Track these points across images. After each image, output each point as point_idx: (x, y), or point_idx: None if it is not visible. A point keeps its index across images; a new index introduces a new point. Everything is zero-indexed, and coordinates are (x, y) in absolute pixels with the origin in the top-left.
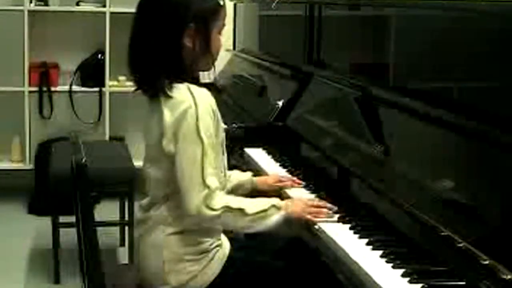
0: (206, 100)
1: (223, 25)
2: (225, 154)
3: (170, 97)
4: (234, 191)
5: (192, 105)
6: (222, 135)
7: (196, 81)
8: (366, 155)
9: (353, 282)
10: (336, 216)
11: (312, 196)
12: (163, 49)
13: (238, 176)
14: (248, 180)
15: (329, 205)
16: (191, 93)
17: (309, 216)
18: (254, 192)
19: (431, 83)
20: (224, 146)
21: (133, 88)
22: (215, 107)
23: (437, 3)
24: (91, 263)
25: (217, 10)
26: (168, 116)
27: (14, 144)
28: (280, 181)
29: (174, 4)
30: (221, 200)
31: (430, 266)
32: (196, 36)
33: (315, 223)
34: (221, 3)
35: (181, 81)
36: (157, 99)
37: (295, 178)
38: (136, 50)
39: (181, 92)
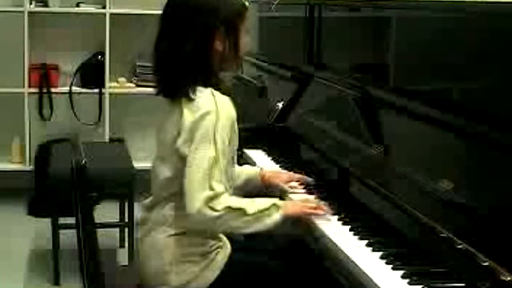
0: (227, 108)
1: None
2: (235, 166)
3: (193, 99)
4: (245, 186)
5: (213, 110)
6: (235, 147)
7: (219, 83)
8: (366, 156)
9: (353, 283)
10: (336, 217)
11: (312, 197)
12: (194, 54)
13: (247, 171)
14: (256, 173)
15: (326, 207)
16: (214, 99)
17: (308, 210)
18: (263, 188)
19: (431, 84)
20: (236, 158)
21: (133, 90)
22: (235, 116)
23: (437, 4)
24: (91, 264)
25: (243, 12)
26: (188, 116)
27: (14, 145)
28: (284, 180)
29: (203, 9)
30: (223, 201)
31: (430, 267)
32: (226, 39)
33: (311, 216)
34: (246, 4)
35: (206, 84)
36: (178, 100)
37: (299, 177)
38: (163, 56)
39: (205, 96)
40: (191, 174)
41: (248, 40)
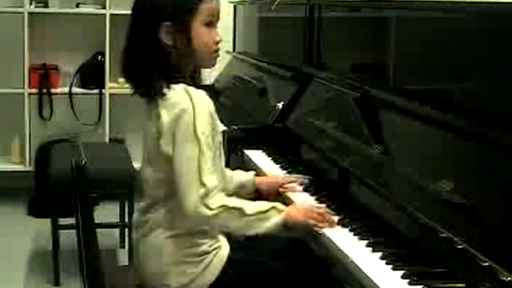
0: (203, 102)
1: (214, 18)
2: (223, 157)
3: (167, 98)
4: (237, 191)
5: (189, 106)
6: (219, 137)
7: (193, 82)
8: (366, 156)
9: (353, 284)
10: (336, 219)
11: (312, 198)
12: (142, 48)
13: (240, 177)
14: (250, 180)
15: (331, 217)
16: (188, 94)
17: (311, 221)
18: (255, 193)
19: (431, 84)
20: (222, 149)
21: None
22: (212, 109)
23: (437, 4)
24: (91, 265)
25: (195, 6)
26: (165, 116)
27: (14, 146)
28: (281, 184)
29: (147, 7)
30: (219, 199)
31: (430, 267)
32: (176, 34)
33: (317, 230)
34: None
35: (177, 82)
36: (154, 100)
37: (295, 180)
38: (126, 53)
39: (178, 93)
40: (181, 176)
41: (215, 33)
